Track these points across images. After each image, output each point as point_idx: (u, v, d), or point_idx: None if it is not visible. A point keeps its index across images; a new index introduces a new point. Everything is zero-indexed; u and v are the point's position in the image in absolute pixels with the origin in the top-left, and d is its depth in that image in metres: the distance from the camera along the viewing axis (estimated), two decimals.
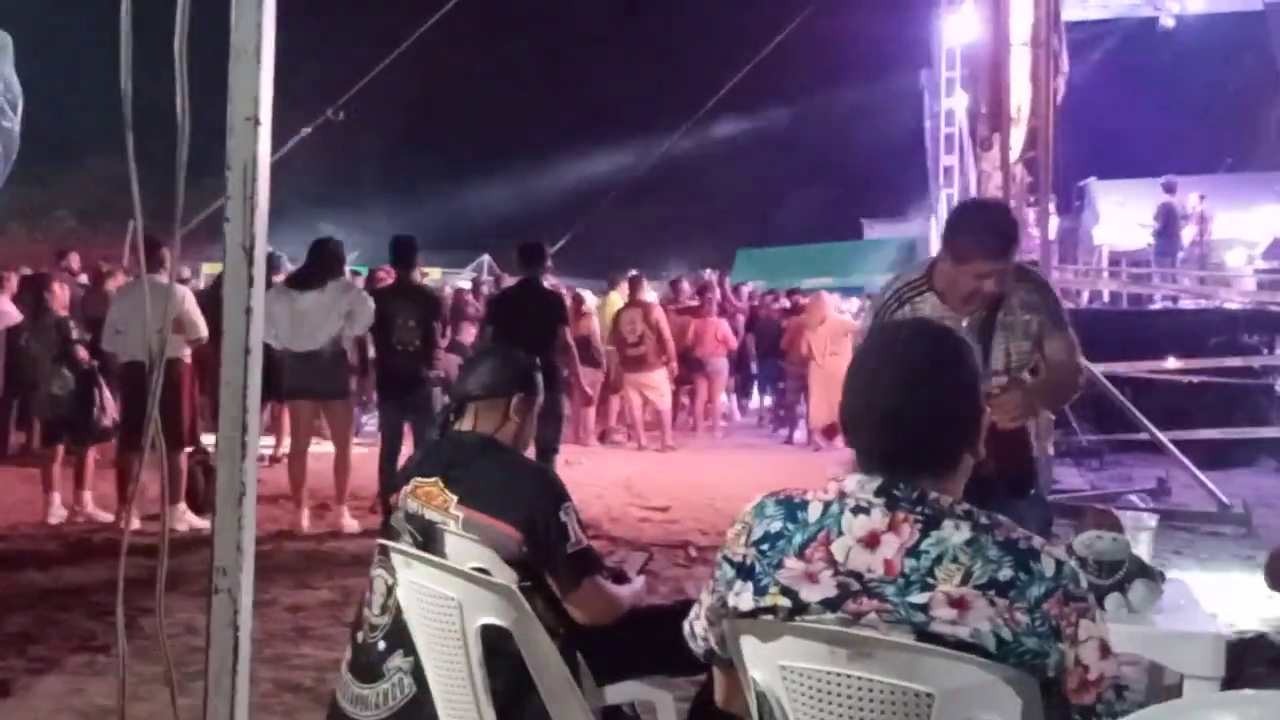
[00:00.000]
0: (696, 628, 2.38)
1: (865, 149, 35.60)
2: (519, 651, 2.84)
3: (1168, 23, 18.97)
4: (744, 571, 2.21)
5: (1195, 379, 12.88)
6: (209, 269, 14.24)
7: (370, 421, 10.73)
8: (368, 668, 3.44)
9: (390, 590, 3.33)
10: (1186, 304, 16.64)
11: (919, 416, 2.14)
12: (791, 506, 2.20)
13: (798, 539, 2.15)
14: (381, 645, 3.42)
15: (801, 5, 19.36)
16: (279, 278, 11.54)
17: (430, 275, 19.61)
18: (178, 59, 2.19)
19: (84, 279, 12.75)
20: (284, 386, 9.10)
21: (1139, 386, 12.59)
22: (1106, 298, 18.91)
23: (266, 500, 9.16)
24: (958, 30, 17.70)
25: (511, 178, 38.43)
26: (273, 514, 8.84)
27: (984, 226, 4.05)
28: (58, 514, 8.79)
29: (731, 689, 2.35)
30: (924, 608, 2.02)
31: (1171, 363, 12.82)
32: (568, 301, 13.21)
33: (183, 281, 12.57)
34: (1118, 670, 2.05)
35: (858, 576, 2.08)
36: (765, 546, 2.19)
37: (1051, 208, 13.88)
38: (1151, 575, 3.45)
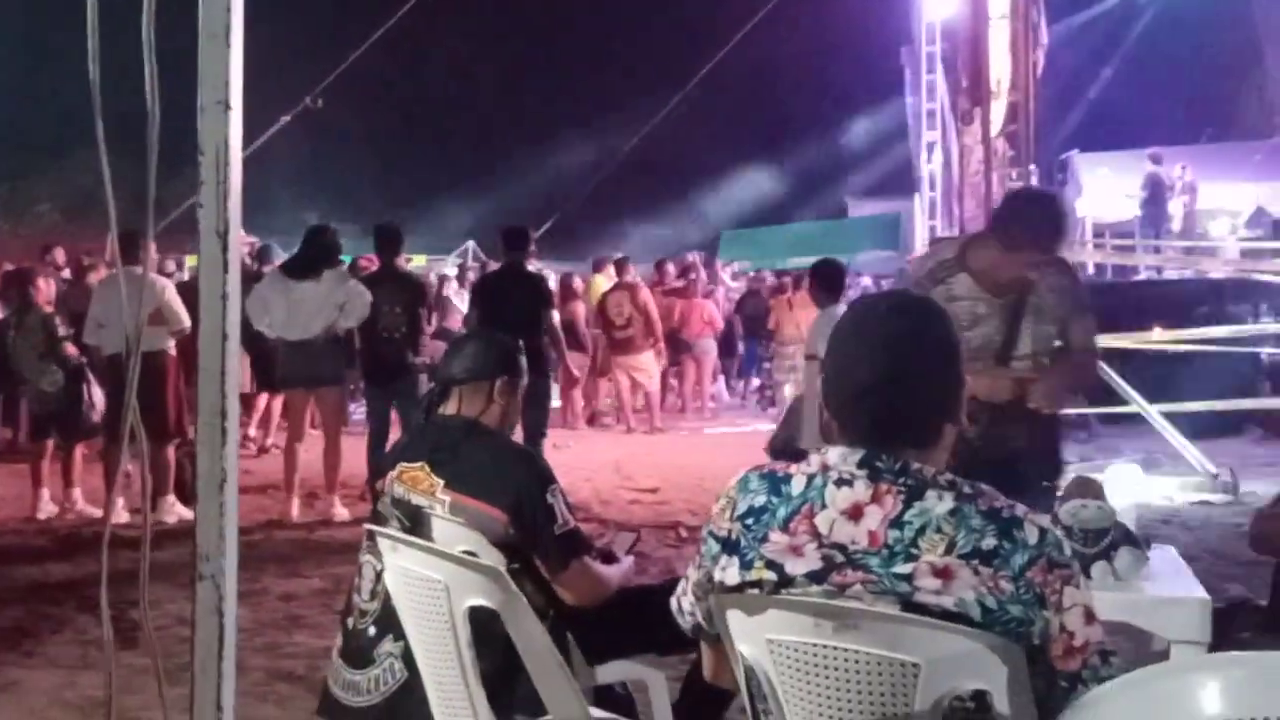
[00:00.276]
0: (684, 603, 2.38)
1: (847, 126, 35.60)
2: (508, 633, 2.84)
3: None
4: (729, 546, 2.21)
5: (1181, 349, 12.92)
6: (191, 261, 14.18)
7: (358, 410, 10.72)
8: (359, 653, 3.44)
9: (379, 576, 3.33)
10: (1171, 274, 16.68)
11: (899, 389, 2.14)
12: (775, 480, 2.20)
13: (782, 512, 2.15)
14: (372, 631, 3.43)
15: None
16: (270, 267, 11.54)
17: (415, 262, 19.56)
18: (145, 44, 2.17)
19: (67, 273, 12.71)
20: (278, 375, 9.10)
21: (1126, 358, 12.62)
22: (1091, 270, 18.94)
23: (256, 490, 9.17)
24: (938, 4, 17.68)
25: (496, 163, 38.35)
26: (262, 504, 8.84)
27: (1041, 219, 4.09)
28: (47, 509, 8.77)
29: (719, 663, 2.35)
30: (908, 578, 2.02)
31: (1157, 333, 12.85)
32: (556, 285, 13.25)
33: (166, 274, 12.53)
34: (1103, 636, 2.06)
35: (842, 549, 2.08)
36: (750, 521, 2.19)
37: (1033, 180, 13.88)
38: (1136, 543, 3.46)
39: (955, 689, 1.98)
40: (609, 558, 3.73)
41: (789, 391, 14.73)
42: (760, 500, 2.19)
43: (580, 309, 14.30)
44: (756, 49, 20.59)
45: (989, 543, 2.01)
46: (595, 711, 3.06)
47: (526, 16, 37.79)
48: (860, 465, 2.11)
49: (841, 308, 7.88)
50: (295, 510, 8.67)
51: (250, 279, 8.56)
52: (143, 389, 2.40)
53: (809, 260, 22.24)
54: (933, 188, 19.60)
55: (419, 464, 3.46)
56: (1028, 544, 2.02)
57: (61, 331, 8.68)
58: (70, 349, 8.66)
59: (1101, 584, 3.29)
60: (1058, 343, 4.22)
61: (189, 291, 9.55)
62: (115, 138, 2.29)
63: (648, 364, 14.12)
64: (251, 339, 8.55)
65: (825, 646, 2.01)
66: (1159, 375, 12.48)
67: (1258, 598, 4.01)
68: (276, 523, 8.47)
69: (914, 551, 2.03)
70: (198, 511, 2.28)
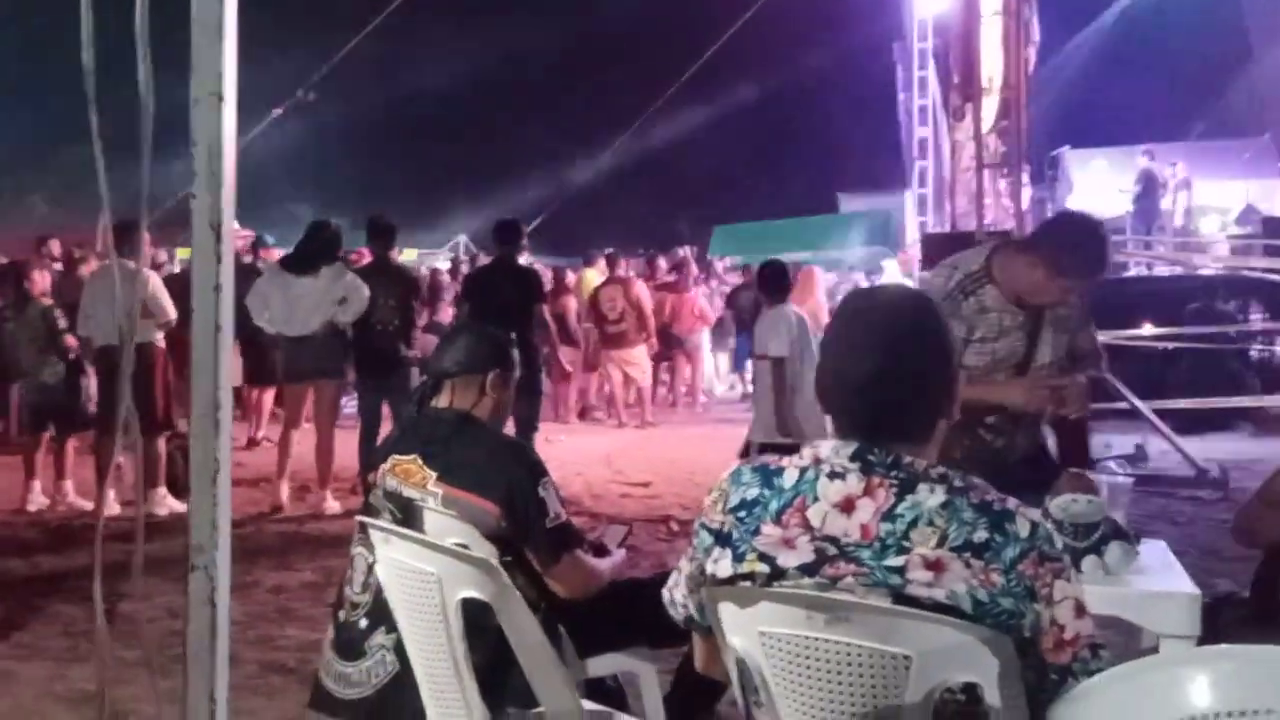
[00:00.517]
0: (676, 595, 2.39)
1: (839, 122, 35.60)
2: (500, 625, 2.84)
3: None
4: (722, 539, 2.21)
5: (1172, 346, 12.96)
6: (183, 254, 14.15)
7: (349, 403, 10.72)
8: (350, 645, 3.44)
9: (371, 568, 3.33)
10: (1163, 271, 16.71)
11: (895, 383, 2.15)
12: (767, 473, 2.21)
13: (774, 505, 2.16)
14: (363, 623, 3.43)
15: None
16: (267, 256, 11.53)
17: (405, 256, 19.55)
18: (139, 34, 2.17)
19: (59, 265, 12.67)
20: (280, 370, 9.12)
21: (1116, 354, 12.65)
22: None
23: (248, 483, 9.16)
24: (930, 0, 17.68)
25: (488, 157, 38.32)
26: (254, 496, 8.83)
27: (1093, 252, 4.07)
28: (38, 501, 8.78)
29: (711, 655, 2.36)
30: (900, 570, 2.03)
31: (1148, 330, 12.88)
32: (548, 279, 13.25)
33: (157, 267, 12.51)
34: (1093, 630, 2.07)
35: (834, 541, 2.09)
36: (742, 513, 2.19)
37: (1025, 177, 13.90)
38: (1127, 537, 3.47)
39: (946, 681, 1.99)
40: (600, 551, 3.73)
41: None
42: (752, 493, 2.20)
43: (571, 303, 14.31)
44: (749, 44, 20.59)
45: (980, 536, 2.02)
46: (586, 704, 3.07)
47: (520, 10, 37.76)
48: (853, 458, 2.12)
49: (789, 307, 8.02)
50: (285, 497, 8.67)
51: (245, 272, 8.56)
52: (132, 381, 2.40)
53: (801, 256, 22.32)
54: (924, 184, 19.63)
55: (411, 457, 3.46)
56: (1019, 537, 2.03)
57: (62, 324, 8.68)
58: (70, 340, 8.66)
59: (1092, 578, 3.29)
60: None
61: (179, 283, 9.59)
62: (108, 129, 2.29)
63: (640, 358, 14.13)
64: (243, 332, 8.54)
65: (817, 639, 2.01)
66: (1149, 371, 12.53)
67: (1245, 592, 4.04)
68: (268, 515, 8.47)
69: (906, 544, 2.04)
70: (191, 503, 2.29)
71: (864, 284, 17.04)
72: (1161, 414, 10.91)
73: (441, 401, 3.59)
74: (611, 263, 14.60)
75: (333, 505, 8.61)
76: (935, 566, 2.02)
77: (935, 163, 18.38)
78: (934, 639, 1.96)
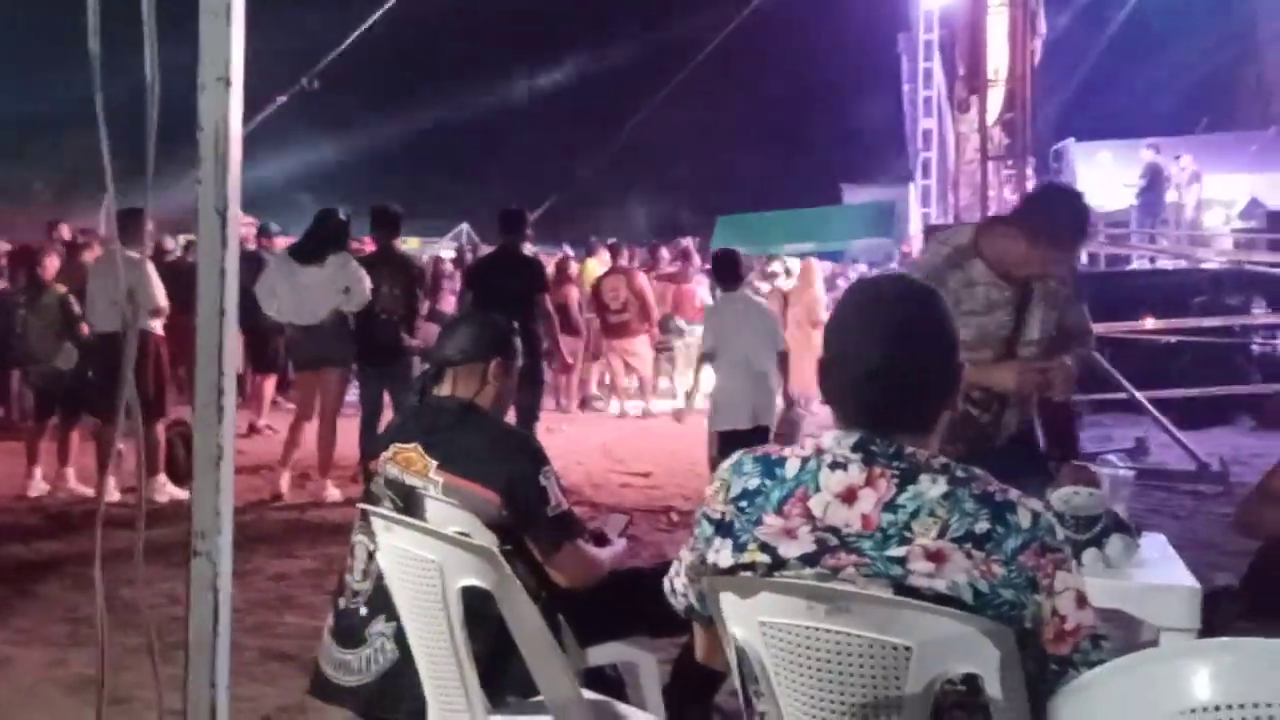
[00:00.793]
0: (677, 584, 2.39)
1: (844, 113, 35.54)
2: (500, 613, 2.84)
3: None
4: (723, 528, 2.21)
5: (1174, 339, 12.95)
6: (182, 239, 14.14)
7: (350, 391, 10.74)
8: (350, 633, 3.45)
9: (371, 556, 3.33)
10: (1166, 264, 16.69)
11: (904, 375, 2.15)
12: (769, 463, 2.21)
13: (775, 495, 2.16)
14: (363, 610, 3.43)
15: None
16: (270, 245, 11.53)
17: (409, 244, 19.53)
18: (145, 17, 2.17)
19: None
20: (290, 359, 9.13)
21: (1118, 347, 12.65)
22: (1085, 258, 18.93)
23: (248, 470, 9.17)
24: None
25: (491, 146, 38.29)
26: (254, 484, 8.84)
27: (1071, 219, 4.14)
28: (38, 487, 8.78)
29: (712, 645, 2.36)
30: (901, 561, 2.03)
31: (1150, 323, 12.87)
32: (551, 269, 13.24)
33: (163, 252, 12.51)
34: (1094, 621, 2.06)
35: (835, 531, 2.09)
36: (744, 503, 2.19)
37: (1029, 170, 13.89)
38: (1128, 530, 3.48)
39: (947, 672, 1.99)
40: (601, 540, 3.74)
41: None
42: (754, 483, 2.20)
43: (574, 292, 14.30)
44: (754, 34, 20.55)
45: (982, 526, 2.02)
46: (586, 693, 3.07)
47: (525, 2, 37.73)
48: (855, 449, 2.12)
49: (745, 291, 8.27)
50: (286, 486, 8.68)
51: (248, 259, 8.56)
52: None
53: (804, 247, 22.29)
54: (927, 175, 19.63)
55: (413, 445, 3.46)
56: (1020, 528, 2.03)
57: (78, 310, 8.68)
58: (84, 328, 8.66)
59: (1093, 570, 3.30)
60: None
61: (176, 269, 9.61)
62: (112, 114, 2.28)
63: (642, 348, 14.13)
64: (246, 319, 8.55)
65: (817, 629, 2.01)
66: (1151, 365, 12.52)
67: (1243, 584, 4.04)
68: (269, 503, 8.48)
69: (907, 535, 2.04)
70: (193, 489, 2.29)
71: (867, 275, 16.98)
72: (1163, 408, 10.90)
73: (443, 390, 3.59)
74: (614, 252, 14.59)
75: (334, 493, 8.62)
76: (936, 557, 2.01)
77: (939, 154, 18.37)
78: (934, 630, 1.97)
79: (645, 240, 21.31)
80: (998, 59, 13.35)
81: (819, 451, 2.16)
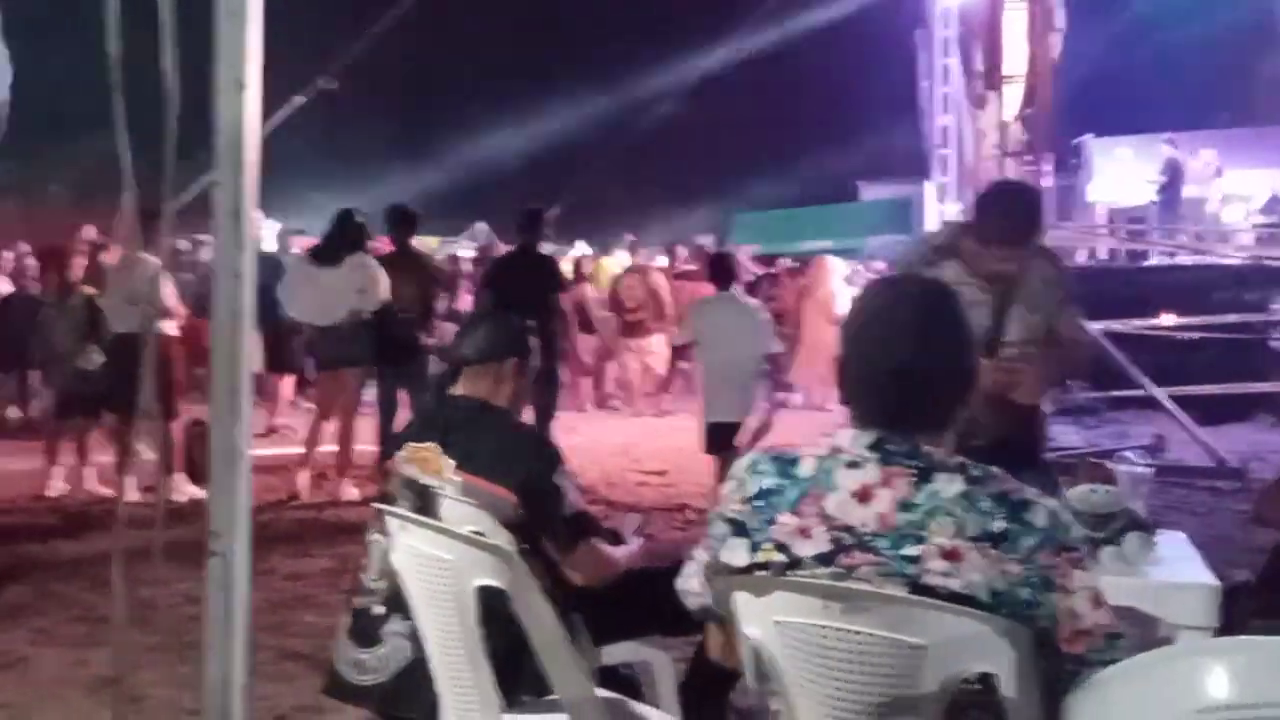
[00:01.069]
0: (691, 584, 2.39)
1: (860, 110, 35.43)
2: (516, 613, 2.84)
3: None
4: (738, 528, 2.21)
5: (1192, 335, 12.89)
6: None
7: (368, 391, 10.76)
8: (366, 632, 3.45)
9: (387, 555, 3.33)
10: (1186, 260, 16.61)
11: (926, 374, 2.15)
12: (784, 463, 2.20)
13: (791, 494, 2.16)
14: (379, 610, 3.43)
15: None
16: (293, 248, 11.58)
17: (428, 244, 19.53)
18: (163, 22, 2.17)
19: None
20: (314, 360, 9.17)
21: (1136, 343, 12.60)
22: (1105, 254, 18.88)
23: (265, 470, 9.18)
24: None
25: (506, 145, 38.29)
26: (271, 484, 8.85)
27: (1007, 214, 4.11)
28: (58, 488, 8.80)
29: (727, 644, 2.36)
30: (917, 560, 2.02)
31: (1168, 319, 12.82)
32: (568, 267, 13.24)
33: (184, 255, 12.55)
34: (1110, 620, 2.06)
35: (851, 531, 2.08)
36: (759, 503, 2.19)
37: (1048, 165, 13.85)
38: (1145, 528, 3.46)
39: (962, 671, 1.99)
40: (616, 539, 3.73)
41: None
42: (769, 482, 2.19)
43: (589, 291, 14.30)
44: (769, 31, 20.52)
45: (998, 525, 2.02)
46: (601, 692, 3.07)
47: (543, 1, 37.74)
48: (871, 448, 2.12)
49: (736, 289, 8.56)
50: (304, 486, 8.70)
51: (265, 260, 8.58)
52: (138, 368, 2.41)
53: (821, 244, 22.25)
54: (945, 172, 19.55)
55: (429, 444, 3.46)
56: (1037, 527, 2.02)
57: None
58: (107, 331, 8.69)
59: (1110, 568, 3.29)
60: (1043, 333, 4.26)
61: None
62: (130, 117, 2.29)
63: (658, 347, 14.11)
64: (264, 319, 8.58)
65: (832, 628, 2.01)
66: (1169, 361, 12.46)
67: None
68: (285, 503, 8.49)
69: (923, 534, 2.03)
70: (210, 489, 2.29)
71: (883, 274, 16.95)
72: (1182, 404, 10.86)
73: (460, 389, 3.60)
74: (632, 251, 14.59)
75: (351, 492, 8.63)
76: (952, 556, 2.01)
77: (957, 151, 18.31)
78: (950, 629, 1.96)
79: (662, 239, 21.30)
80: (1016, 55, 13.30)
81: (835, 451, 2.16)
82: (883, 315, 2.22)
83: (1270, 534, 4.13)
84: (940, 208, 19.59)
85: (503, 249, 13.53)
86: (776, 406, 9.18)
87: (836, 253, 19.68)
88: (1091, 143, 22.37)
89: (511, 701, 3.04)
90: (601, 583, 3.45)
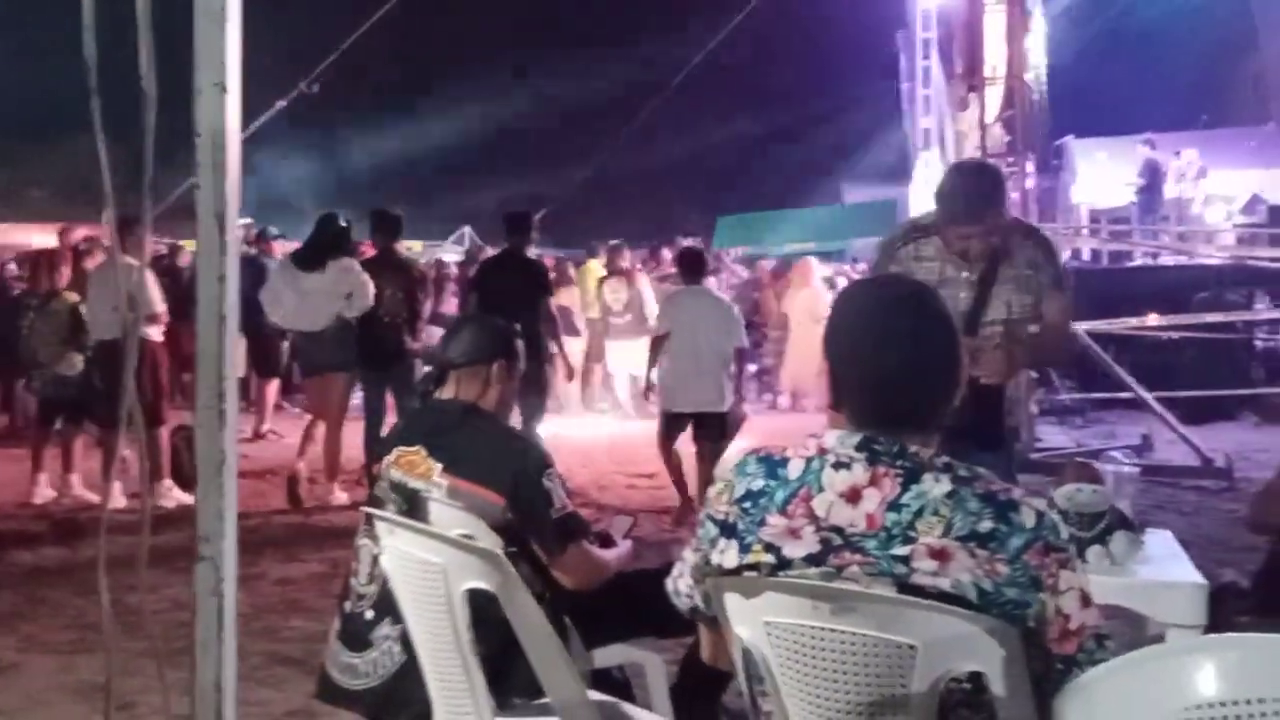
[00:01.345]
0: (681, 585, 2.39)
1: (842, 112, 35.52)
2: (506, 616, 2.84)
3: None
4: (727, 529, 2.21)
5: (1177, 335, 12.94)
6: (189, 245, 14.14)
7: (355, 395, 10.74)
8: (356, 636, 3.45)
9: (376, 559, 3.33)
10: (1168, 260, 16.68)
11: (921, 379, 2.16)
12: (772, 464, 2.20)
13: (779, 496, 2.16)
14: (369, 614, 3.43)
15: None
16: (269, 249, 11.55)
17: (412, 248, 19.51)
18: (141, 22, 2.16)
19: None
20: (297, 366, 9.16)
21: (1121, 344, 12.65)
22: (1087, 255, 18.95)
23: (253, 475, 9.17)
24: None
25: (491, 149, 38.30)
26: (259, 488, 8.84)
27: (958, 192, 4.19)
28: (44, 494, 8.78)
29: (717, 645, 2.36)
30: (905, 560, 2.03)
31: (1153, 319, 12.87)
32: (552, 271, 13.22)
33: (160, 259, 12.52)
34: (1099, 619, 2.06)
35: (839, 531, 2.09)
36: (748, 504, 2.19)
37: (1030, 167, 13.88)
38: (1132, 527, 3.47)
39: (952, 671, 1.99)
40: (606, 541, 3.74)
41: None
42: (758, 484, 2.20)
43: (575, 295, 14.29)
44: (752, 33, 20.53)
45: (986, 525, 2.02)
46: (593, 694, 3.07)
47: (520, 3, 37.72)
48: (858, 448, 2.12)
49: (708, 283, 9.03)
50: (303, 473, 8.69)
51: (247, 264, 8.57)
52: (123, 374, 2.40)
53: (805, 246, 22.25)
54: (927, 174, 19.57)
55: (416, 448, 3.46)
56: (1024, 527, 2.03)
57: (87, 319, 8.67)
58: (89, 337, 8.66)
59: (1097, 568, 3.30)
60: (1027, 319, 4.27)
61: (169, 274, 9.60)
62: (110, 120, 2.28)
63: (643, 350, 14.08)
64: (248, 324, 8.56)
65: (822, 629, 2.01)
66: (1155, 361, 12.51)
67: (1247, 582, 4.04)
68: (274, 508, 8.48)
69: (911, 534, 2.03)
70: (197, 494, 2.29)
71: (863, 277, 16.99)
72: (1167, 404, 10.89)
73: (446, 393, 3.60)
74: (614, 254, 14.58)
75: (340, 497, 8.63)
76: (940, 556, 2.01)
77: (939, 152, 18.34)
78: (939, 628, 1.96)
79: (646, 242, 21.29)
80: (995, 56, 13.34)
81: (822, 451, 2.16)
82: (871, 321, 2.21)
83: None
84: (923, 209, 19.61)
85: (489, 252, 13.49)
86: (768, 407, 9.30)
87: (819, 255, 19.73)
88: (1073, 144, 22.45)
89: (503, 704, 3.04)
90: (592, 585, 3.45)
